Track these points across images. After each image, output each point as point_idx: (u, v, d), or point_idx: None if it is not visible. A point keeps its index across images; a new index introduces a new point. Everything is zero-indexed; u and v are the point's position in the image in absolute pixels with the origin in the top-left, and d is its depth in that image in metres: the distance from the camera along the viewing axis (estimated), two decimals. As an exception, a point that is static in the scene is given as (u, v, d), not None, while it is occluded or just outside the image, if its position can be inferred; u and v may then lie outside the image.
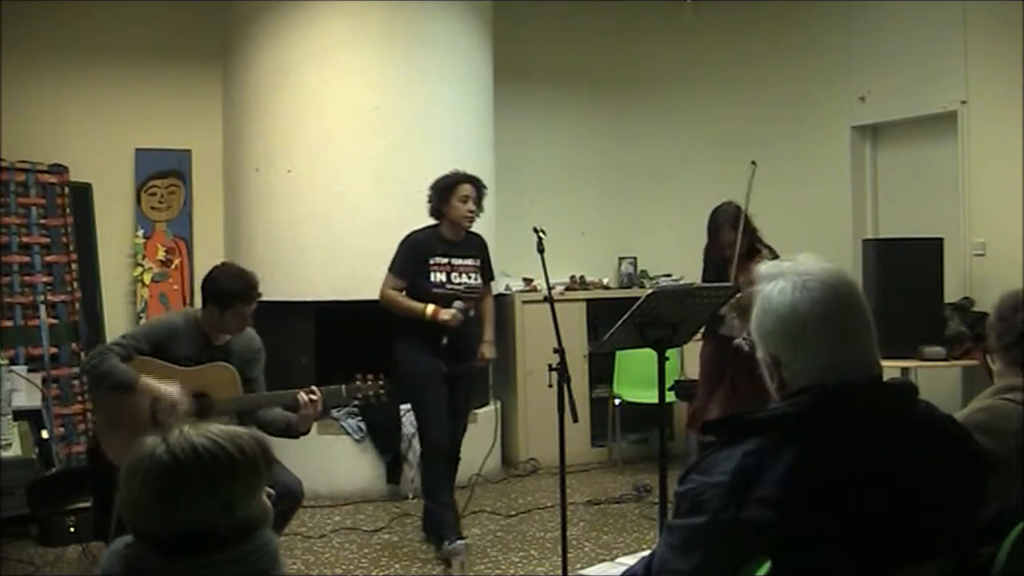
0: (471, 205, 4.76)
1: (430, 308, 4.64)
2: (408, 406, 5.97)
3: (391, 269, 4.80)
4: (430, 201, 4.81)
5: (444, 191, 4.77)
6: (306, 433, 4.05)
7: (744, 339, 4.73)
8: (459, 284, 4.77)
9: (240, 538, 1.75)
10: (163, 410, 3.80)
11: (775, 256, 4.80)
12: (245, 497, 1.77)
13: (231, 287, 3.94)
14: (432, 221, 4.86)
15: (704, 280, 5.18)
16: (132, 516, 1.74)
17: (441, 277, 4.74)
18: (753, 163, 4.92)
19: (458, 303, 4.66)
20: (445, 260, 4.77)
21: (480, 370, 4.98)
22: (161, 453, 1.73)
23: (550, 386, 3.95)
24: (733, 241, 4.98)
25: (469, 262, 4.85)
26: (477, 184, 4.81)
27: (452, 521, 4.78)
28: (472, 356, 4.89)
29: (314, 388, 3.91)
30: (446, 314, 4.62)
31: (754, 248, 5.02)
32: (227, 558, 1.72)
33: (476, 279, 4.86)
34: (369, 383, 4.08)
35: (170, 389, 3.83)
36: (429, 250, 4.76)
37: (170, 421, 3.52)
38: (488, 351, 4.99)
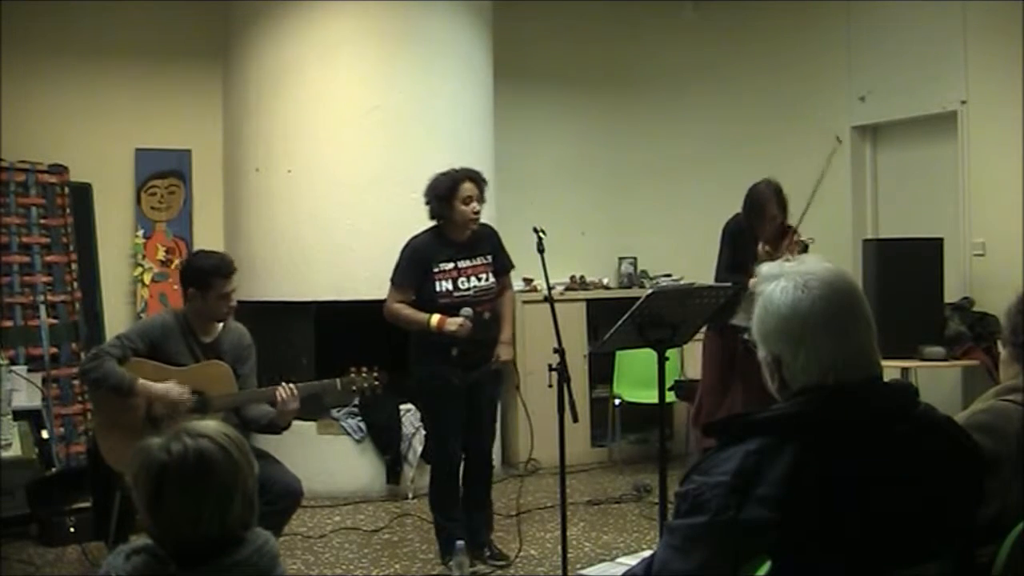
0: (475, 205, 4.41)
1: (435, 319, 4.32)
2: (410, 407, 6.02)
3: (393, 281, 4.48)
4: (428, 204, 4.46)
5: (445, 196, 4.40)
6: (286, 428, 4.05)
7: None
8: (467, 290, 4.45)
9: (240, 538, 1.76)
10: (162, 409, 3.79)
11: (802, 241, 4.86)
12: (245, 494, 1.78)
13: (206, 263, 4.00)
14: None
15: (726, 256, 5.13)
16: (156, 524, 1.73)
17: (447, 285, 4.42)
18: (838, 139, 4.86)
19: (466, 310, 4.34)
20: (450, 265, 4.43)
21: (496, 372, 4.61)
22: (166, 458, 1.73)
23: (550, 386, 3.94)
24: (775, 215, 4.94)
25: (478, 262, 4.50)
26: (477, 179, 4.46)
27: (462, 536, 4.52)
28: (486, 360, 4.52)
29: (291, 383, 3.91)
30: (452, 324, 4.30)
31: (786, 226, 4.98)
32: (232, 562, 1.72)
33: (488, 279, 4.51)
34: (364, 375, 4.07)
35: (167, 386, 3.82)
36: (432, 257, 4.43)
37: (172, 418, 3.53)
38: (504, 352, 4.56)
